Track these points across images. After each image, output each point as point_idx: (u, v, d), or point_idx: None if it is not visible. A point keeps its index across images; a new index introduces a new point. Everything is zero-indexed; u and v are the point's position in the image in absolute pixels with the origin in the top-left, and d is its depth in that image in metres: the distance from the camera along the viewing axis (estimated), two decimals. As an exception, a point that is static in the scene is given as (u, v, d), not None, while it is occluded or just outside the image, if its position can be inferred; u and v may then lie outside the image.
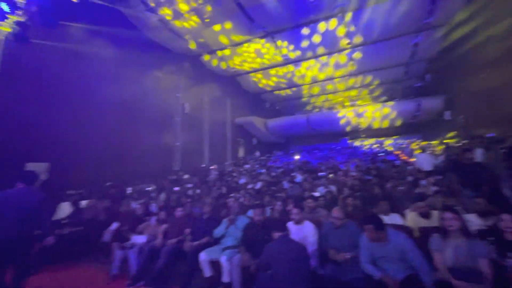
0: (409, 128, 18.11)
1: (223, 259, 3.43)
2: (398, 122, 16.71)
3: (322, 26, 11.85)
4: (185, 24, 11.01)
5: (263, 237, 3.53)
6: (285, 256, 2.55)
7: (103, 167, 9.00)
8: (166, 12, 10.10)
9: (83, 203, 6.16)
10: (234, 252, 3.55)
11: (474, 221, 3.25)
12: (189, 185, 8.22)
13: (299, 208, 3.59)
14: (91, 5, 8.05)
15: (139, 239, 4.25)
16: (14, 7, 5.39)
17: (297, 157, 16.05)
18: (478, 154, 5.84)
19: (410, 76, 17.04)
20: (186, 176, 10.88)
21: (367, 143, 19.88)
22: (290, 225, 3.49)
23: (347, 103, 20.83)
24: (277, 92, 19.79)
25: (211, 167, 12.82)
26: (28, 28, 6.19)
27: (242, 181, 8.76)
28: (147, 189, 7.75)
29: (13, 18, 5.75)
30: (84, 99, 8.86)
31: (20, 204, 3.17)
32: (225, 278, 3.38)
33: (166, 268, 3.79)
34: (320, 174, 8.75)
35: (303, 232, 3.39)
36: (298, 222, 3.50)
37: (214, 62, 14.59)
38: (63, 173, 7.90)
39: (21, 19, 5.95)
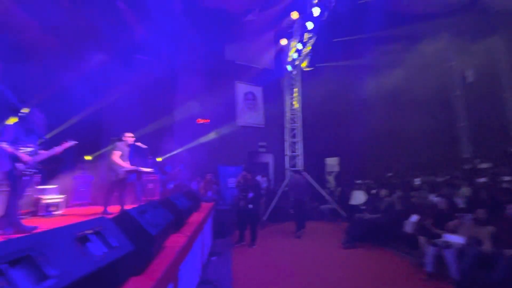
0: None
1: None
2: None
3: None
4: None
5: None
6: None
7: (382, 158, 9.31)
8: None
9: (374, 191, 6.61)
10: None
11: None
12: (506, 178, 5.88)
13: None
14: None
15: (454, 238, 3.56)
16: (303, 44, 7.35)
17: None
18: None
19: None
20: (484, 165, 8.13)
21: None
22: None
23: None
24: None
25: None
26: (312, 57, 8.09)
27: None
28: (437, 180, 6.71)
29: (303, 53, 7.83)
30: (360, 102, 9.84)
31: (300, 182, 6.58)
32: None
33: (506, 285, 2.78)
34: None
35: None
36: None
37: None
38: (350, 164, 9.26)
39: (307, 51, 7.90)
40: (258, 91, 10.39)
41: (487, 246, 3.18)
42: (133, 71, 7.83)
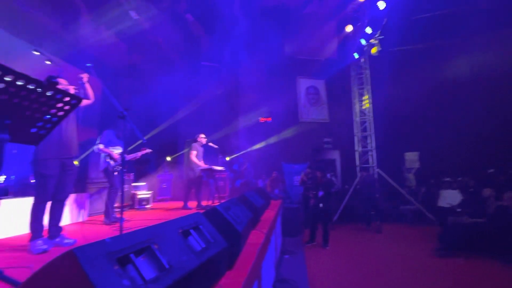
0: None
1: None
2: None
3: None
4: None
5: None
6: None
7: (476, 151, 7.65)
8: None
9: (471, 191, 5.52)
10: None
11: None
12: None
13: None
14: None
15: None
16: (373, 27, 6.66)
17: None
18: None
19: None
20: None
21: None
22: None
23: None
24: None
25: None
26: (383, 41, 7.28)
27: None
28: None
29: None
30: (444, 88, 8.32)
31: (371, 180, 6.93)
32: None
33: None
34: None
35: None
36: None
37: None
38: (433, 160, 7.93)
39: (377, 35, 7.12)
40: (320, 84, 9.93)
41: None
42: (202, 77, 8.46)
